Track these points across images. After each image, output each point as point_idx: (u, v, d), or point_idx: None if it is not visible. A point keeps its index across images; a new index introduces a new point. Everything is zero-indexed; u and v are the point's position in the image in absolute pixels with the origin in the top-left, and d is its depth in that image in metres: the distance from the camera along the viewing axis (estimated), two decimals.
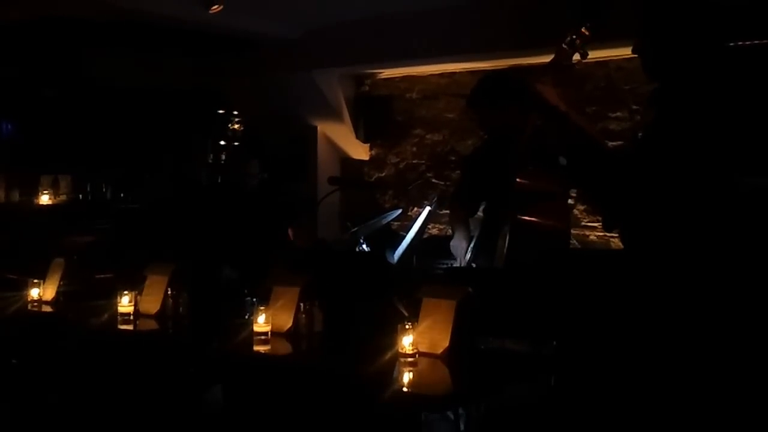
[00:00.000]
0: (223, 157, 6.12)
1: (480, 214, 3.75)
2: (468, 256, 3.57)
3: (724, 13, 2.45)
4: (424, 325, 2.50)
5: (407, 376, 2.35)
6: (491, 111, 3.53)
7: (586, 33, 2.71)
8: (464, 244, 3.61)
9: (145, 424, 2.95)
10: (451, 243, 3.65)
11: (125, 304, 3.05)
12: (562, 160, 3.09)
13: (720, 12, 2.41)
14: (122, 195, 6.02)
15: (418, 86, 6.34)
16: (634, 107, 5.12)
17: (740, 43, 3.43)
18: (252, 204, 4.76)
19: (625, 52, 4.71)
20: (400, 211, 5.26)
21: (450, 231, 3.89)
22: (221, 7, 5.10)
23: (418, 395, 2.29)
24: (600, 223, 4.94)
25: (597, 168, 2.48)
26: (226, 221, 4.60)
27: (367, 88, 6.58)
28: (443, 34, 5.30)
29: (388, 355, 2.43)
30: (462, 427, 2.97)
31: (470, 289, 2.55)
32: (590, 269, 2.69)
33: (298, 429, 2.55)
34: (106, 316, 3.08)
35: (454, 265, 3.65)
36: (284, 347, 2.69)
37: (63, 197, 5.76)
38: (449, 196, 4.68)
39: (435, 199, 5.11)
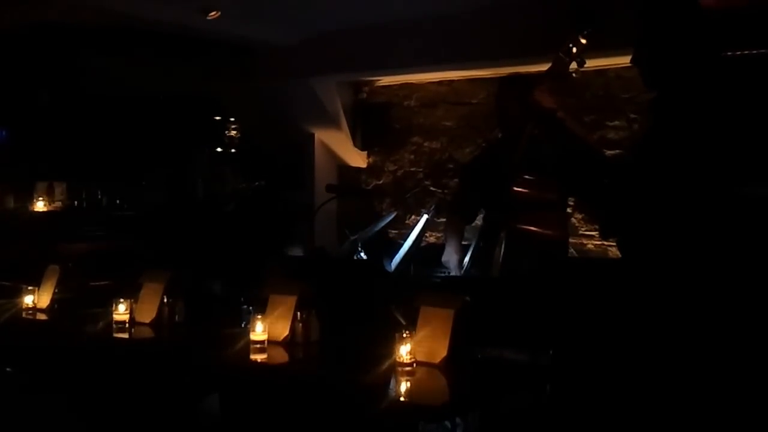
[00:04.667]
0: (220, 164, 6.11)
1: (478, 222, 3.74)
2: (465, 265, 3.56)
3: (721, 23, 2.45)
4: (421, 334, 2.48)
5: (404, 386, 2.34)
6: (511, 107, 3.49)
7: (583, 41, 2.71)
8: (456, 257, 3.60)
9: None
10: (443, 258, 3.65)
11: (121, 311, 3.03)
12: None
13: (717, 21, 2.41)
14: (118, 202, 5.99)
15: (417, 94, 6.34)
16: (632, 116, 5.11)
17: (737, 52, 3.43)
18: (248, 212, 4.73)
19: (624, 60, 4.71)
20: (394, 214, 5.24)
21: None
22: (219, 13, 5.10)
23: (415, 404, 2.27)
24: (597, 232, 4.95)
25: (594, 175, 2.48)
26: (222, 229, 4.59)
27: (365, 95, 6.57)
28: (441, 42, 5.30)
29: (386, 364, 2.41)
30: None
31: (468, 298, 2.54)
32: (588, 278, 2.68)
33: None
34: (101, 324, 3.06)
35: (452, 274, 3.64)
36: (281, 356, 2.67)
37: (58, 204, 5.73)
38: (447, 205, 4.67)
39: (433, 207, 5.11)
